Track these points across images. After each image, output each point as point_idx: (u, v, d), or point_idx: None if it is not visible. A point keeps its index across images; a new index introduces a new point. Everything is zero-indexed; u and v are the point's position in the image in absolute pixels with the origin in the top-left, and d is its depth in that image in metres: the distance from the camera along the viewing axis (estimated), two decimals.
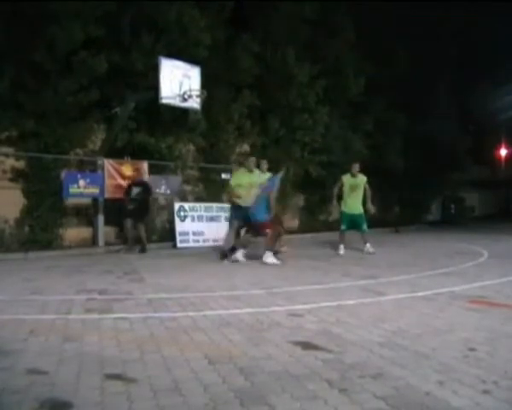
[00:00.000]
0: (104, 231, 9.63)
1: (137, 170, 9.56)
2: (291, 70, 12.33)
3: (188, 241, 9.78)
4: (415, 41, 15.53)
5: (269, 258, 6.66)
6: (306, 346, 2.63)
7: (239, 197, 7.17)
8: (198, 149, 11.36)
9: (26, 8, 7.90)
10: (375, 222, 16.40)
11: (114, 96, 9.16)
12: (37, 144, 8.65)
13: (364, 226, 8.26)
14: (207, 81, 9.43)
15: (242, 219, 7.24)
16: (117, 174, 9.26)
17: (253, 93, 11.68)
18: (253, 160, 7.59)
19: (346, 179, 8.38)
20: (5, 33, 7.90)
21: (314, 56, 13.19)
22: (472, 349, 2.53)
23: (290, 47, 12.42)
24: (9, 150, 8.70)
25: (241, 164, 7.69)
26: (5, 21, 7.90)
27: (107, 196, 9.22)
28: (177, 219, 9.77)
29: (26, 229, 8.71)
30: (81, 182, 8.78)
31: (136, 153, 9.67)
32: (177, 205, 9.93)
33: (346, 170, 8.66)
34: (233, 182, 7.49)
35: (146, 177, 9.65)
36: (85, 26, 8.33)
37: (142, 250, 8.68)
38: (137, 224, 8.79)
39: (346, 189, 8.35)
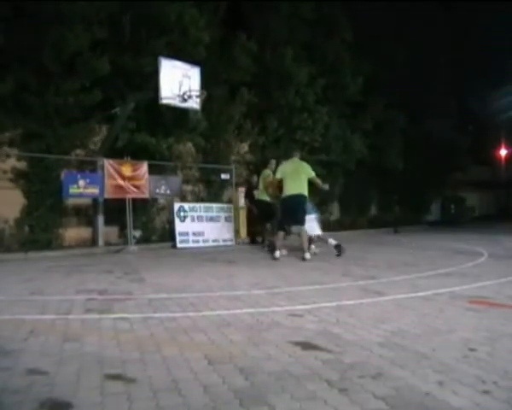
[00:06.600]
0: (104, 231, 9.64)
1: (137, 170, 9.57)
2: (290, 70, 12.34)
3: (187, 241, 9.79)
4: (414, 41, 15.53)
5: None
6: (306, 346, 2.63)
7: None
8: (198, 149, 11.36)
9: (31, 8, 7.89)
10: (375, 222, 16.44)
11: (115, 97, 9.16)
12: (39, 145, 8.65)
13: None
14: (206, 80, 9.43)
15: None
16: (117, 174, 9.25)
17: (252, 92, 11.68)
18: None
19: None
20: (10, 34, 7.88)
21: (312, 56, 13.19)
22: (472, 349, 2.52)
23: (289, 47, 12.43)
24: (12, 151, 8.70)
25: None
26: (10, 22, 7.89)
27: (106, 196, 9.21)
28: (176, 220, 9.78)
29: (26, 229, 8.71)
30: (81, 182, 8.78)
31: (137, 153, 9.67)
32: (176, 205, 9.93)
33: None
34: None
35: (146, 176, 9.66)
36: (90, 27, 8.33)
37: None
38: None
39: None
